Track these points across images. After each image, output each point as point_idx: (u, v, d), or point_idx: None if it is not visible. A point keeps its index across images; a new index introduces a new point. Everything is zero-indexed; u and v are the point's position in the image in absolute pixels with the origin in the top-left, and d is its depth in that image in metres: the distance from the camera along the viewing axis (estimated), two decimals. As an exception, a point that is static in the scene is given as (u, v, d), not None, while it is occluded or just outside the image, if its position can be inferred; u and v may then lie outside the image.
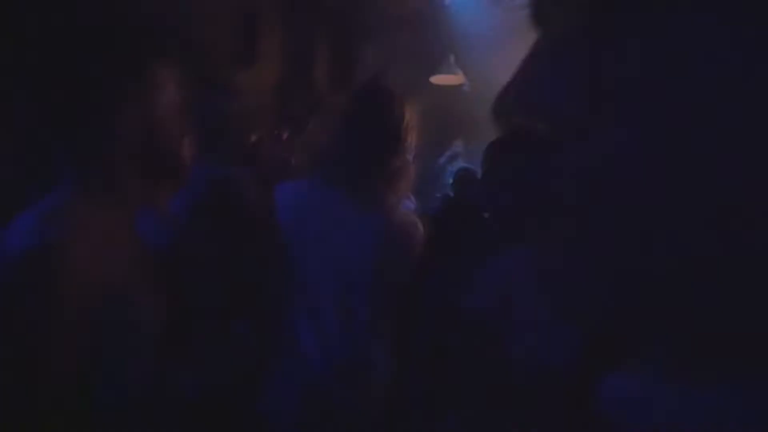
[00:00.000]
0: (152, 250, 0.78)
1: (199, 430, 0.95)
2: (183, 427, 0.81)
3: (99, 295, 0.58)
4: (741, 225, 0.17)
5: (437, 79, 4.83)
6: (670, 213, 0.18)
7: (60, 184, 0.66)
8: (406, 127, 1.04)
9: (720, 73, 0.17)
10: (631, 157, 0.18)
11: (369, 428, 1.02)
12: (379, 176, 1.01)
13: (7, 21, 1.71)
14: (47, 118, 0.70)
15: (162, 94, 0.71)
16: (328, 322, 0.99)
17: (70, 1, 1.07)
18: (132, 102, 0.67)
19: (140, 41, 0.71)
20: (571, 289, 0.22)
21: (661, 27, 0.18)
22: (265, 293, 1.15)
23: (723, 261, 0.17)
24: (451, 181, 3.59)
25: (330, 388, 0.99)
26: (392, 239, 0.99)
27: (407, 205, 3.24)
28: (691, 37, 0.17)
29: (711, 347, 0.19)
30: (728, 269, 0.17)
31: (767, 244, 0.17)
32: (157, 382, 0.69)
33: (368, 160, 1.00)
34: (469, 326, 0.98)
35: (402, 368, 1.13)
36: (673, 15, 0.18)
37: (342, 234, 0.98)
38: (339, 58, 4.67)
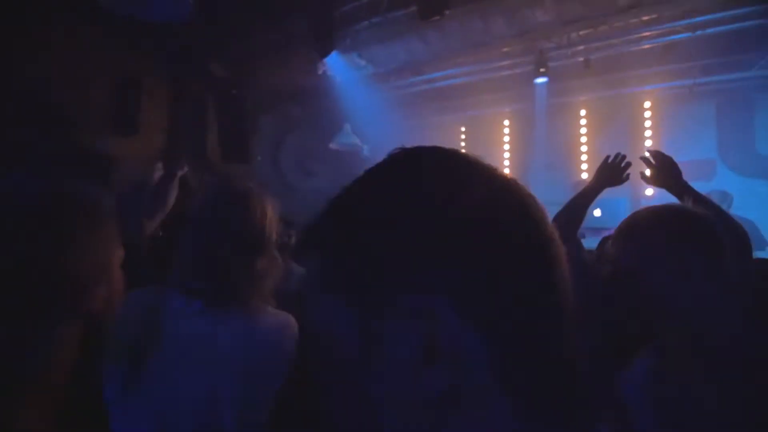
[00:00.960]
0: None
1: None
2: None
3: None
4: None
5: (336, 146, 5.00)
6: None
7: None
8: (268, 224, 0.98)
9: None
10: None
11: None
12: (243, 279, 0.92)
13: None
14: None
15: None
16: None
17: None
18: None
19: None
20: None
21: None
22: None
23: None
24: None
25: None
26: (259, 346, 0.90)
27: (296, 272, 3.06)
28: None
29: None
30: None
31: None
32: None
33: (229, 265, 0.91)
34: None
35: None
36: None
37: (202, 348, 0.86)
38: (231, 128, 4.56)
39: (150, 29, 3.23)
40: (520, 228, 0.33)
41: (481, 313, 0.30)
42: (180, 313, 0.90)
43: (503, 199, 0.33)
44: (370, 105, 4.81)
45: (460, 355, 0.30)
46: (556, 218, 1.32)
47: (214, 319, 0.89)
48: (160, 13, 2.26)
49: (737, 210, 3.66)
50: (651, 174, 1.34)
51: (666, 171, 1.29)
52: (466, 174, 0.34)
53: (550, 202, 0.64)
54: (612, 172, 1.45)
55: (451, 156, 0.35)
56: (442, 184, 0.33)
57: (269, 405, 0.91)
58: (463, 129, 5.76)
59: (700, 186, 1.35)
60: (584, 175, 4.83)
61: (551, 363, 0.32)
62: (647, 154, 1.36)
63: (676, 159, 1.34)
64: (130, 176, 3.70)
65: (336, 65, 4.21)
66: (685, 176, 1.29)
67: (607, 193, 1.50)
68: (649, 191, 4.31)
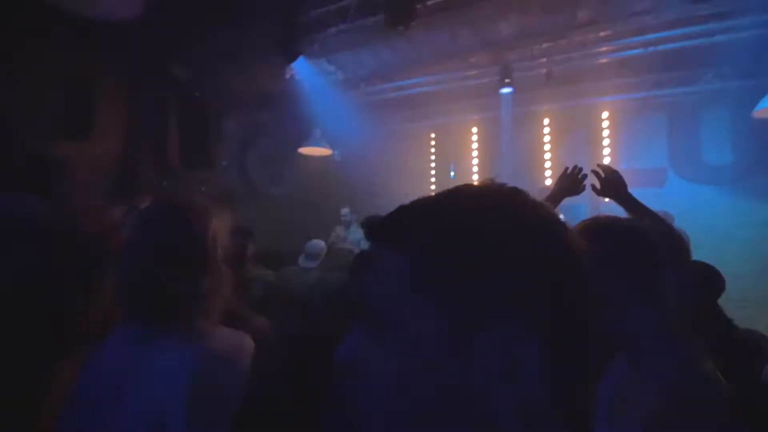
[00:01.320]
0: None
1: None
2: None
3: None
4: None
5: (306, 151, 4.93)
6: None
7: None
8: (212, 239, 0.91)
9: None
10: None
11: None
12: (185, 301, 0.87)
13: None
14: None
15: None
16: None
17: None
18: None
19: None
20: None
21: None
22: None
23: None
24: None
25: None
26: (210, 369, 0.84)
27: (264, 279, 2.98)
28: None
29: None
30: None
31: None
32: None
33: (167, 287, 0.86)
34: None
35: None
36: None
37: (145, 378, 0.81)
38: (193, 132, 4.41)
39: (106, 27, 3.08)
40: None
41: (560, 353, 0.35)
42: (118, 341, 0.83)
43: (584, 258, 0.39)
44: (340, 110, 4.78)
45: (534, 381, 0.34)
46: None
47: (154, 346, 0.83)
48: (106, 10, 2.14)
49: (687, 214, 3.91)
50: (600, 185, 1.43)
51: (612, 184, 1.38)
52: (561, 232, 0.39)
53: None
54: (571, 182, 1.53)
55: (554, 222, 0.40)
56: (551, 239, 0.38)
57: (226, 430, 0.85)
58: (433, 135, 5.83)
59: (652, 192, 1.42)
60: (548, 182, 4.99)
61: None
62: (598, 168, 1.44)
63: (631, 166, 1.41)
64: (83, 184, 3.50)
65: (304, 70, 4.17)
66: (639, 183, 1.36)
67: (568, 199, 1.55)
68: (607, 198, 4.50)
